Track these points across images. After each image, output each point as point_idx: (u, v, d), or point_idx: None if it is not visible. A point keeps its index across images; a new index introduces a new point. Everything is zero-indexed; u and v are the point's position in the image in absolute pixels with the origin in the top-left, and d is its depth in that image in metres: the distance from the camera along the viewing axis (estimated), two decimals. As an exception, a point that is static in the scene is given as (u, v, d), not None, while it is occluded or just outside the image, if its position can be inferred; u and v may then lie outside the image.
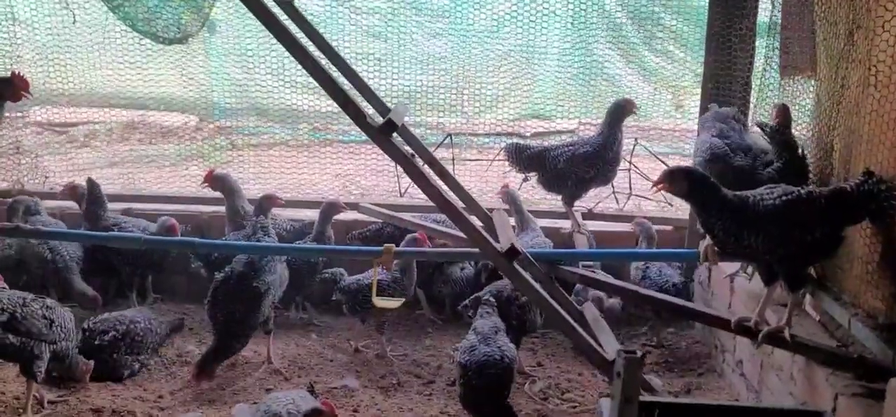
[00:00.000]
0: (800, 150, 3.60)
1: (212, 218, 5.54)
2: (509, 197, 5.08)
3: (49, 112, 7.07)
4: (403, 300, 4.58)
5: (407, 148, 3.58)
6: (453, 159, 6.00)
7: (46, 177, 6.18)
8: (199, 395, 4.23)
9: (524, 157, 4.93)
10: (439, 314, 5.28)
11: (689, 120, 7.30)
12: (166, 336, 4.75)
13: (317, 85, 7.04)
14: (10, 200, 5.16)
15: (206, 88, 7.56)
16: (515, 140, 5.25)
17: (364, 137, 7.44)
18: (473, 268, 5.09)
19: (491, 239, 3.58)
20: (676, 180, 3.13)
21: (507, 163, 5.15)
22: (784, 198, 3.05)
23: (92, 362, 4.25)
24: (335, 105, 7.67)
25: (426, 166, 3.88)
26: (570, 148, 4.85)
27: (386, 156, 7.09)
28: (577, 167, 4.76)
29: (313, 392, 3.97)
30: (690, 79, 7.57)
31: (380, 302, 4.38)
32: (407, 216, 5.03)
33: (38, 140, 7.17)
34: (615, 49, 7.33)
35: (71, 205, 5.36)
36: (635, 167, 5.69)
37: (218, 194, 5.31)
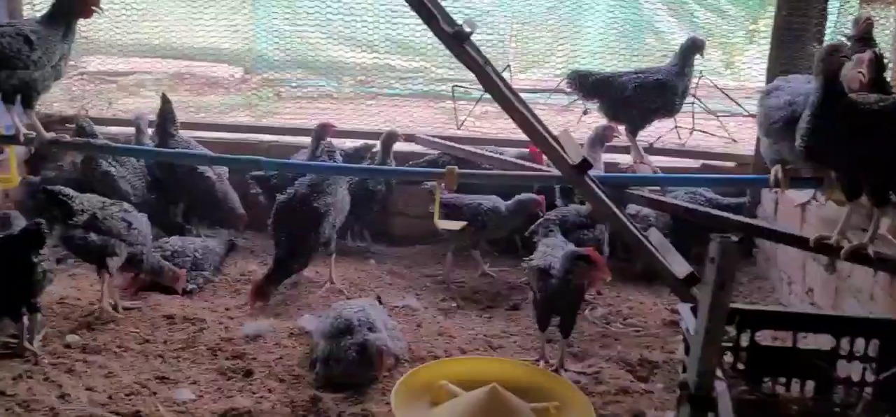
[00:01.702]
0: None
1: (271, 148, 5.61)
2: None
3: (101, 62, 7.19)
4: (465, 223, 4.60)
5: (479, 56, 3.57)
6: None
7: (110, 104, 6.30)
8: (264, 309, 4.32)
9: (589, 83, 4.91)
10: (494, 246, 5.31)
11: (740, 78, 7.27)
12: (224, 255, 4.86)
13: (360, 38, 7.22)
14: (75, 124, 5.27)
15: (251, 40, 7.65)
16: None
17: (408, 91, 7.62)
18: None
19: (564, 153, 3.60)
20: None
21: (568, 90, 5.13)
22: None
23: (183, 271, 4.36)
24: (379, 59, 7.79)
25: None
26: (640, 75, 4.83)
27: (430, 107, 7.24)
28: (644, 95, 4.74)
29: (381, 302, 4.04)
30: (742, 37, 7.53)
31: (442, 224, 4.41)
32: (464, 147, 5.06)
33: (89, 89, 7.31)
34: (664, 3, 7.30)
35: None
36: (700, 100, 5.65)
37: (277, 124, 5.37)
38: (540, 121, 3.61)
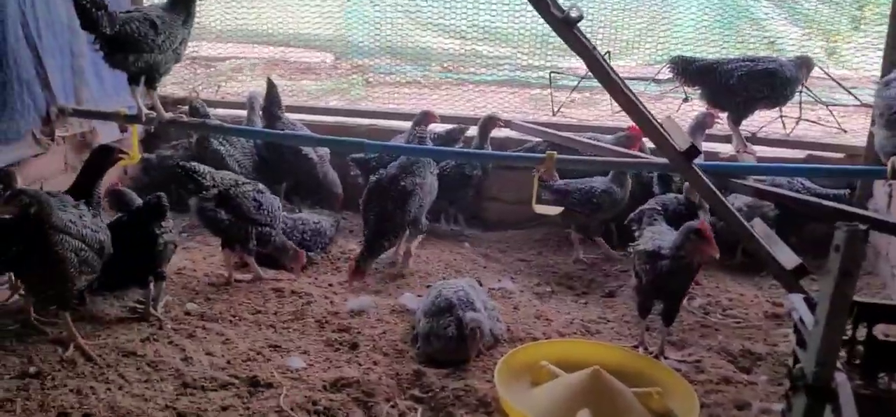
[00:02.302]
0: None
1: (369, 131, 5.78)
2: None
3: (200, 47, 7.51)
4: (562, 208, 4.63)
5: (588, 40, 3.59)
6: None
7: (219, 87, 6.60)
8: (365, 286, 4.47)
9: (692, 70, 4.84)
10: (589, 233, 5.31)
11: (843, 67, 6.96)
12: (333, 236, 5.04)
13: (448, 25, 7.29)
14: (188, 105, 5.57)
15: (342, 27, 7.83)
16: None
17: (494, 78, 7.65)
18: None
19: (671, 139, 3.58)
20: None
21: (669, 76, 5.07)
22: None
23: (304, 252, 4.54)
24: (467, 45, 7.82)
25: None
26: (748, 63, 4.73)
27: (517, 95, 7.23)
28: (751, 84, 4.64)
29: (480, 283, 4.12)
30: (846, 24, 7.21)
31: (540, 208, 4.46)
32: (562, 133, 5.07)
33: (188, 72, 7.66)
34: (764, -12, 7.06)
35: (241, 113, 5.75)
36: (809, 89, 5.48)
37: (374, 107, 5.51)
38: (646, 108, 3.59)
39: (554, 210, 4.53)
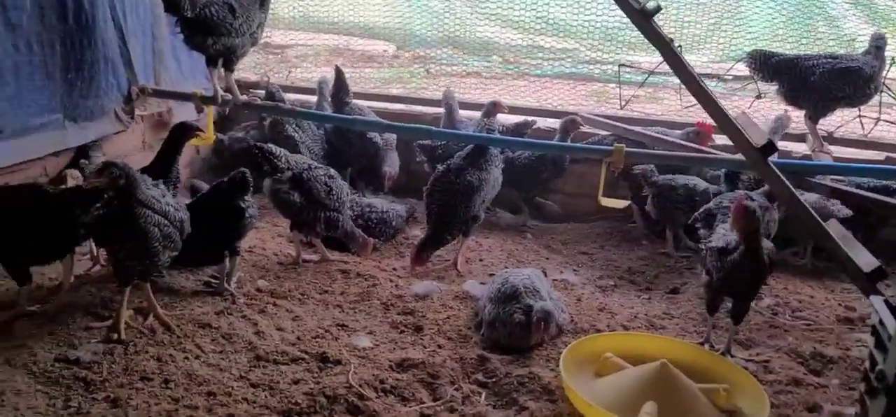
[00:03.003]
0: None
1: (435, 120, 5.83)
2: None
3: (268, 34, 7.67)
4: (628, 202, 4.60)
5: (665, 33, 3.55)
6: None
7: (289, 72, 6.76)
8: (429, 272, 4.53)
9: (772, 64, 4.74)
10: (653, 227, 5.26)
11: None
12: (401, 227, 5.11)
13: (511, 17, 7.27)
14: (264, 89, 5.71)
15: (405, 18, 7.89)
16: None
17: (555, 71, 7.61)
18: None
19: (746, 134, 3.52)
20: None
21: (749, 70, 4.97)
22: None
23: (371, 241, 4.61)
24: (529, 38, 7.78)
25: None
26: (831, 60, 4.60)
27: (578, 89, 7.17)
28: (833, 82, 4.52)
29: (545, 274, 4.13)
30: (926, 23, 6.93)
31: (605, 201, 4.44)
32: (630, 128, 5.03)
33: (256, 59, 7.84)
34: (842, -14, 6.83)
35: (309, 99, 5.88)
36: (889, 89, 5.30)
37: (437, 96, 5.64)
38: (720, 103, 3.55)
39: (620, 203, 4.51)
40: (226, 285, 4.01)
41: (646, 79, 5.77)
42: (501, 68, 8.13)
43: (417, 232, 5.10)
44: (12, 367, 3.11)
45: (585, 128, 5.26)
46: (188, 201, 4.15)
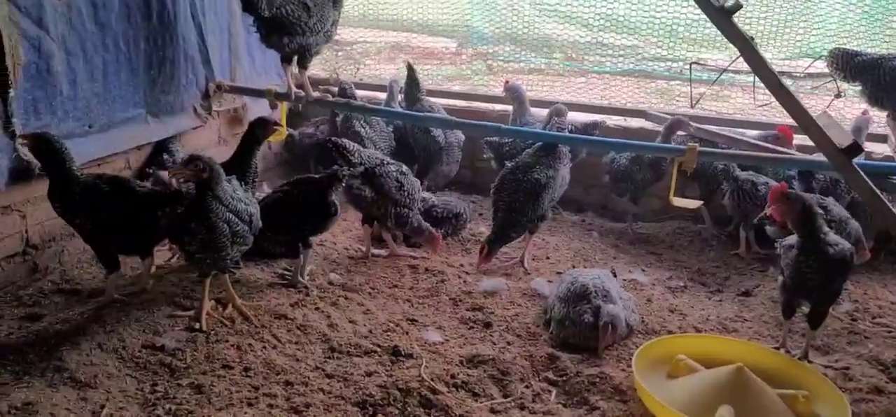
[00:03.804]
0: None
1: (500, 117, 5.85)
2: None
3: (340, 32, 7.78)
4: (701, 202, 4.53)
5: (746, 31, 3.48)
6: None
7: (358, 68, 6.87)
8: (497, 269, 4.56)
9: (855, 64, 4.58)
10: (722, 228, 5.17)
11: None
12: (467, 220, 5.15)
13: (573, 14, 7.21)
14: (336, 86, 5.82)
15: (466, 15, 7.90)
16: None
17: (618, 69, 7.51)
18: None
19: (830, 135, 3.42)
20: None
21: (829, 69, 4.82)
22: None
23: (440, 237, 4.66)
24: (591, 35, 7.70)
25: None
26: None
27: (641, 86, 7.06)
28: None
29: (615, 274, 4.11)
30: None
31: (677, 201, 4.38)
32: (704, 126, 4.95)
33: (324, 56, 7.97)
34: (925, -22, 6.55)
35: (376, 95, 5.96)
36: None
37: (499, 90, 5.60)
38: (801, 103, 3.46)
39: (692, 204, 4.44)
40: (300, 277, 4.11)
41: (718, 77, 5.65)
42: (563, 65, 8.08)
43: (484, 230, 5.12)
44: (104, 352, 3.27)
45: (651, 126, 5.19)
46: (268, 194, 4.27)
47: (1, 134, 3.60)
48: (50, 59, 3.80)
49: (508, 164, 4.66)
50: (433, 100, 6.02)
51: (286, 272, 4.24)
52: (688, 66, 6.60)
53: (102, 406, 2.92)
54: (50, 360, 3.15)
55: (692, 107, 5.67)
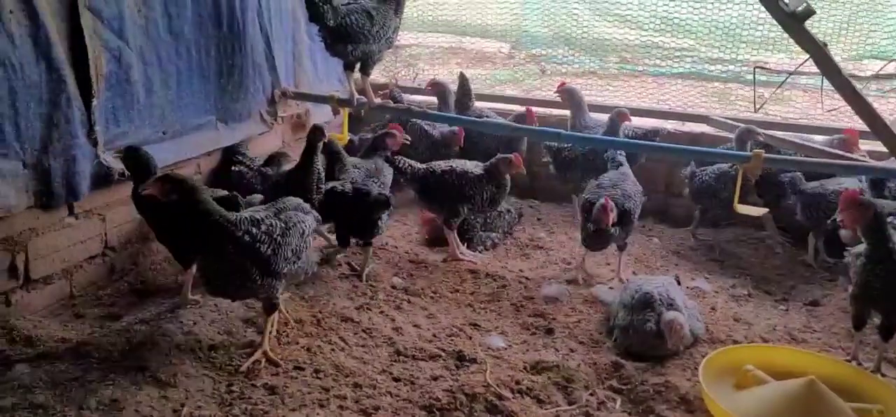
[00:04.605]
0: None
1: (559, 122, 5.85)
2: None
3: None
4: (766, 209, 4.46)
5: (818, 38, 3.43)
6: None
7: (417, 74, 6.96)
8: (555, 275, 4.57)
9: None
10: (786, 235, 5.08)
11: None
12: (514, 222, 5.20)
13: (628, 15, 7.14)
14: (388, 90, 5.91)
15: (519, 18, 7.90)
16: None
17: (673, 71, 7.42)
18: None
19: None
20: None
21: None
22: None
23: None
24: (646, 37, 7.61)
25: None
26: None
27: (696, 89, 6.96)
28: None
29: (679, 282, 4.08)
30: None
31: (742, 209, 4.32)
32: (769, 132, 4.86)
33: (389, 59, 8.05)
34: None
35: (431, 100, 6.03)
36: None
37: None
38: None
39: (757, 211, 4.37)
40: (364, 273, 4.26)
41: (784, 80, 5.55)
42: (617, 68, 8.03)
43: (543, 235, 5.14)
44: (181, 351, 3.39)
45: (709, 131, 5.12)
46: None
47: (85, 141, 3.76)
48: (129, 68, 3.96)
49: (593, 181, 4.63)
50: (486, 104, 6.07)
51: (354, 270, 4.36)
52: (747, 68, 6.50)
53: (182, 405, 3.04)
54: (132, 359, 3.28)
55: (755, 111, 5.57)
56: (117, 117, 3.96)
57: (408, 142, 4.66)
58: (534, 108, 5.52)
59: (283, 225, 3.32)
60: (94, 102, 3.77)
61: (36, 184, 3.59)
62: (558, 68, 8.04)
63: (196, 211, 3.07)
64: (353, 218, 4.29)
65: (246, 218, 3.22)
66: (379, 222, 4.30)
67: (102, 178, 3.88)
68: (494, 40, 9.24)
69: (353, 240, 4.50)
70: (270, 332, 3.50)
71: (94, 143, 3.81)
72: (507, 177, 4.61)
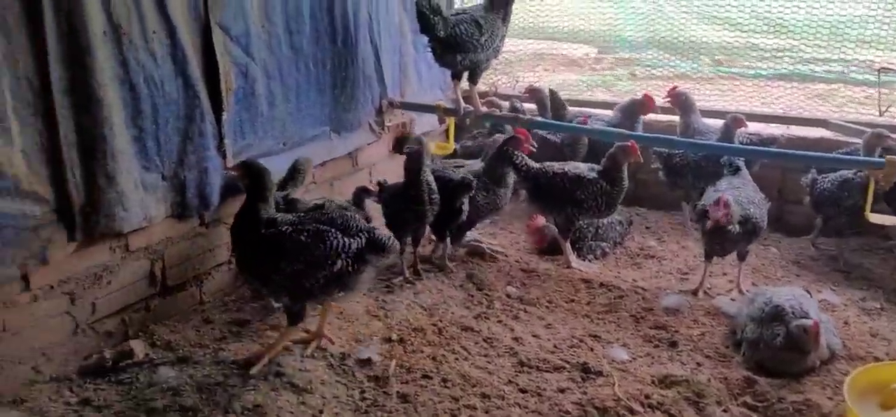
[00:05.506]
0: None
1: (667, 128, 5.72)
2: None
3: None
4: (902, 218, 4.25)
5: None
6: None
7: (517, 81, 6.96)
8: (669, 286, 4.47)
9: None
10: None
11: None
12: (625, 232, 5.11)
13: (726, 16, 6.89)
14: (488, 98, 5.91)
15: (612, 21, 7.77)
16: None
17: (772, 72, 7.14)
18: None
19: None
20: None
21: None
22: None
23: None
24: (743, 37, 7.33)
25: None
26: None
27: (798, 90, 6.66)
28: None
29: (810, 293, 3.93)
30: None
31: (874, 217, 4.12)
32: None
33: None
34: None
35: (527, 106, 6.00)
36: None
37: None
38: None
39: (893, 220, 4.16)
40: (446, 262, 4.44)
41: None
42: (711, 70, 7.81)
43: (653, 244, 5.04)
44: (314, 359, 3.47)
45: (828, 135, 4.88)
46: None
47: (215, 154, 3.90)
48: (254, 82, 4.09)
49: (711, 189, 4.45)
50: (579, 111, 5.99)
51: (468, 281, 4.42)
52: (855, 68, 6.21)
53: (321, 411, 3.11)
54: (269, 365, 3.37)
55: (880, 114, 5.32)
56: (243, 130, 4.10)
57: (534, 149, 4.61)
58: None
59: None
60: (224, 116, 3.91)
61: (173, 195, 3.75)
62: (649, 72, 7.89)
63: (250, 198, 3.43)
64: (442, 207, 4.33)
65: (288, 219, 3.41)
66: (462, 208, 4.36)
67: (231, 189, 4.01)
68: (583, 44, 9.15)
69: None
70: (282, 343, 3.49)
71: (223, 155, 3.95)
72: (625, 171, 4.50)
